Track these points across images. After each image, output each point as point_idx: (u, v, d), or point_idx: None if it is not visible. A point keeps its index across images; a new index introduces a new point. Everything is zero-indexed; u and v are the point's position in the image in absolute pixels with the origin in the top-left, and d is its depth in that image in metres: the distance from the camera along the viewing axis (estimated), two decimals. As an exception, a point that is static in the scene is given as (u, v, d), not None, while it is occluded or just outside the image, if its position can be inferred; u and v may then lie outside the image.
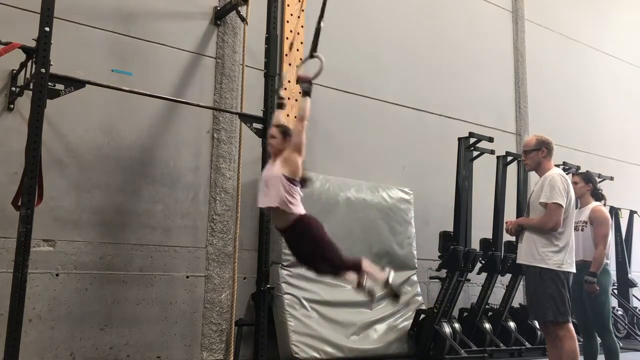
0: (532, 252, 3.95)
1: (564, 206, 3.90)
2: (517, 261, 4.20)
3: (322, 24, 3.82)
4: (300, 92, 3.66)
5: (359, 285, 3.54)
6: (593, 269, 4.53)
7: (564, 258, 3.87)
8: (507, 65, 8.42)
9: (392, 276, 3.60)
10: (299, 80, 3.67)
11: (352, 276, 3.55)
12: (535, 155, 4.14)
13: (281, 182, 3.39)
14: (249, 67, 5.47)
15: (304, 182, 3.51)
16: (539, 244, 3.92)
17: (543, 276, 3.86)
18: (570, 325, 3.90)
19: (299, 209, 3.44)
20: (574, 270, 3.97)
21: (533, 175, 4.69)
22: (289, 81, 5.93)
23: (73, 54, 4.58)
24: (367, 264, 3.57)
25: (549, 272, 3.84)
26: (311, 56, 3.78)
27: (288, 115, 5.88)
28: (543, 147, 4.13)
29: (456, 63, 7.65)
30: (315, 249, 3.47)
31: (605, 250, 4.63)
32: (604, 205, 5.01)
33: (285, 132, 3.55)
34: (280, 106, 3.96)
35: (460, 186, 6.26)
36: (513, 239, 4.31)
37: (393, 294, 3.68)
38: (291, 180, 3.42)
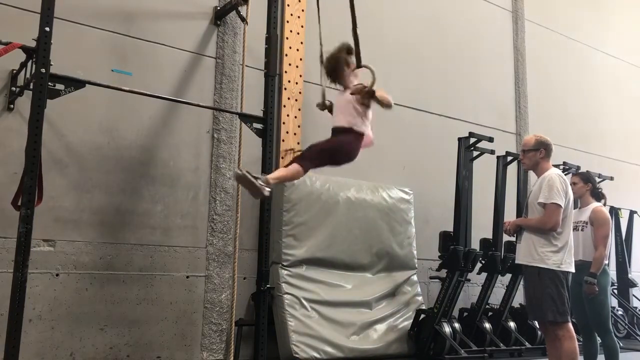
0: (530, 252, 3.95)
1: (563, 206, 3.90)
2: (516, 261, 4.20)
3: (358, 31, 3.78)
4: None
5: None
6: (593, 270, 4.53)
7: (562, 258, 3.87)
8: (507, 65, 8.42)
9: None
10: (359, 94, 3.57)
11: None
12: (534, 155, 4.16)
13: (356, 105, 3.47)
14: (249, 67, 5.47)
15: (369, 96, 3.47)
16: (537, 244, 3.92)
17: (542, 276, 3.86)
18: (570, 325, 3.90)
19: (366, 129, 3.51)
20: (573, 270, 3.97)
21: (533, 176, 4.69)
22: (289, 81, 5.94)
23: (73, 54, 4.58)
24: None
25: (548, 272, 3.85)
26: (358, 67, 3.70)
27: (288, 115, 5.90)
28: (541, 148, 4.14)
29: (456, 63, 7.65)
30: (340, 146, 3.50)
31: (605, 251, 4.63)
32: (604, 204, 5.00)
33: (348, 50, 3.68)
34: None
35: (460, 186, 6.26)
36: (513, 239, 4.32)
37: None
38: (362, 104, 3.47)
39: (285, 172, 3.34)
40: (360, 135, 3.51)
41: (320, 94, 3.86)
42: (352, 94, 3.55)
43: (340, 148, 3.50)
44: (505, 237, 5.95)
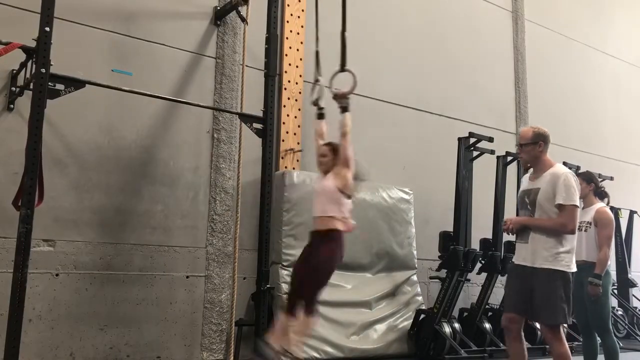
0: (542, 253, 3.73)
1: (579, 207, 3.83)
2: (521, 263, 3.88)
3: (346, 34, 3.84)
4: (339, 108, 3.79)
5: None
6: (598, 271, 4.47)
7: (572, 259, 3.79)
8: (507, 65, 8.42)
9: (302, 356, 3.74)
10: (336, 97, 3.78)
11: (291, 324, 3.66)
12: (532, 149, 3.90)
13: (336, 194, 3.64)
14: (249, 67, 5.47)
15: (349, 196, 3.71)
16: (549, 245, 3.72)
17: (555, 278, 3.69)
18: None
19: (344, 223, 3.66)
20: (575, 270, 3.92)
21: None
22: (289, 81, 5.93)
23: (73, 54, 4.58)
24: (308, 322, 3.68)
25: (561, 274, 3.70)
26: (342, 70, 3.83)
27: (288, 115, 5.90)
28: (540, 141, 3.89)
29: (456, 63, 7.65)
30: (320, 267, 3.65)
31: (609, 252, 4.60)
32: (608, 203, 4.98)
33: (334, 149, 3.74)
34: (320, 116, 4.01)
35: (460, 186, 6.26)
36: (513, 238, 4.20)
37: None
38: (342, 192, 3.65)
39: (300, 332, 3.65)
40: (337, 237, 3.64)
41: (314, 91, 4.03)
42: (334, 95, 3.74)
43: (317, 270, 3.66)
44: (505, 237, 5.94)
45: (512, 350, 3.96)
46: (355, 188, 3.74)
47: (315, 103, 4.03)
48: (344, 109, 3.75)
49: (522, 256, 3.88)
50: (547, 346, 4.21)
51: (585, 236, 4.67)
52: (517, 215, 4.20)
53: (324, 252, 3.64)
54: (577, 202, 3.74)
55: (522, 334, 3.94)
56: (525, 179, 4.08)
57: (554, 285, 3.71)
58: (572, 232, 3.75)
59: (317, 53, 4.18)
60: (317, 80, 4.08)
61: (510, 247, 6.14)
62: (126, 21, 5.03)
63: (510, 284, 4.04)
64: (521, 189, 4.07)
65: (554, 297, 3.70)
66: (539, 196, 3.83)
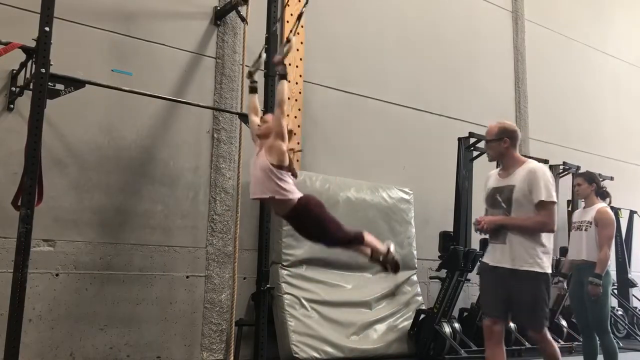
0: (522, 255, 3.55)
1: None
2: (496, 264, 3.65)
3: (304, 8, 3.69)
4: (276, 76, 3.51)
5: (371, 257, 3.64)
6: (598, 271, 4.46)
7: (550, 259, 3.67)
8: (507, 65, 8.42)
9: (393, 247, 3.69)
10: (273, 64, 3.53)
11: (364, 249, 3.63)
12: (497, 145, 3.74)
13: (270, 172, 3.30)
14: (249, 67, 5.45)
15: (290, 170, 3.41)
16: (529, 247, 3.55)
17: (539, 281, 3.55)
18: None
19: (294, 194, 3.37)
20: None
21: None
22: (289, 81, 5.92)
23: (73, 54, 4.58)
24: (369, 238, 3.61)
25: (543, 277, 3.57)
26: (288, 40, 3.59)
27: (288, 115, 5.88)
28: (505, 137, 3.71)
29: (456, 63, 7.65)
30: (318, 227, 3.47)
31: (609, 252, 4.60)
32: (609, 203, 4.97)
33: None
34: (252, 90, 3.78)
35: (460, 186, 6.26)
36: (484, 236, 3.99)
37: (394, 264, 3.67)
38: (280, 167, 3.32)
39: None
40: (299, 202, 3.38)
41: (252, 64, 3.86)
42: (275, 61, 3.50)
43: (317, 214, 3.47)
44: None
45: (493, 355, 3.68)
46: (291, 162, 3.40)
47: (250, 76, 3.79)
48: (282, 77, 3.45)
49: (497, 258, 3.66)
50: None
51: (585, 236, 4.67)
52: (486, 214, 3.87)
53: (305, 214, 3.43)
54: (556, 198, 3.61)
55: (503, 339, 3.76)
56: (493, 176, 3.89)
57: (539, 289, 3.56)
58: (553, 231, 3.60)
59: (274, 33, 4.07)
60: (260, 56, 3.88)
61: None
62: (126, 21, 5.03)
63: (487, 287, 3.83)
64: (490, 186, 3.84)
65: (539, 301, 3.57)
66: (516, 194, 3.60)
